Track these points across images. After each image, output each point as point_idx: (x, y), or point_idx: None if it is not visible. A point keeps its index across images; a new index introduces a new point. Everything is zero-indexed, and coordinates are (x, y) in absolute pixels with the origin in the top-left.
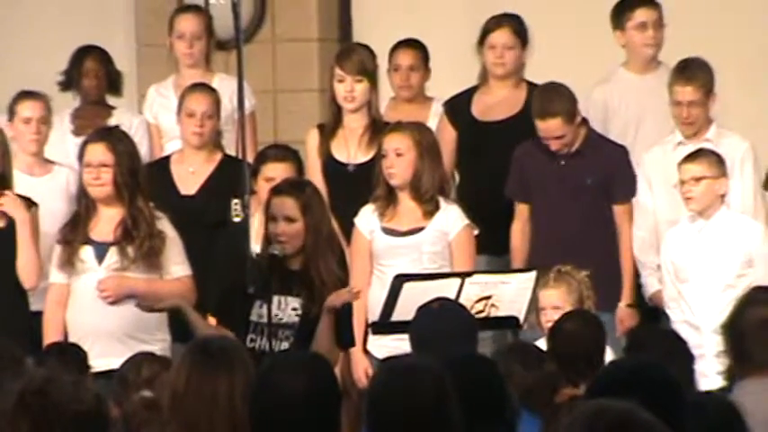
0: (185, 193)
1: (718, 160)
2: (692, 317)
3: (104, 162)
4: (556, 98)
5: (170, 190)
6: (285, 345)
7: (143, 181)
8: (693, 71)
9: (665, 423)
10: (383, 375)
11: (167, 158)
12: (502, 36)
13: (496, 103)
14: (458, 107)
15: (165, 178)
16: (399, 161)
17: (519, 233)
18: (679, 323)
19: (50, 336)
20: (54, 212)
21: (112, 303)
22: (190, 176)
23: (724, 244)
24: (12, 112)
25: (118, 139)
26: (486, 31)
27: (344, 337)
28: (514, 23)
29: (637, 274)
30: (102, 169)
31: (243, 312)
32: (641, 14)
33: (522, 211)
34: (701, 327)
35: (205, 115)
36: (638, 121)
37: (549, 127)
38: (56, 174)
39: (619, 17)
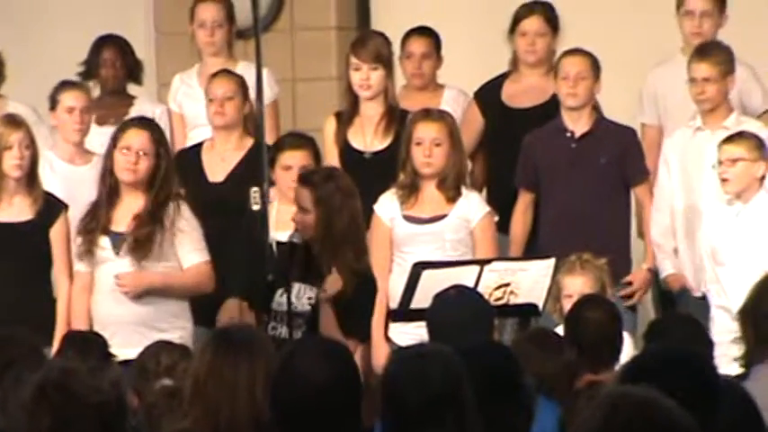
0: (213, 180)
1: (758, 143)
2: (727, 302)
3: (145, 150)
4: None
5: (199, 177)
6: (298, 333)
7: (172, 174)
8: (710, 50)
9: (698, 412)
10: (394, 363)
11: (199, 146)
12: (533, 23)
13: (526, 90)
14: (488, 95)
15: (195, 165)
16: (437, 151)
17: (520, 221)
18: (716, 308)
19: (75, 323)
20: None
21: (132, 298)
22: (219, 163)
23: (762, 228)
24: (54, 101)
25: (159, 132)
26: (518, 19)
27: (357, 330)
28: (546, 10)
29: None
30: (141, 156)
31: (266, 300)
32: (690, 2)
33: (524, 198)
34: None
35: (225, 97)
36: (687, 106)
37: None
38: (96, 163)
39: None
